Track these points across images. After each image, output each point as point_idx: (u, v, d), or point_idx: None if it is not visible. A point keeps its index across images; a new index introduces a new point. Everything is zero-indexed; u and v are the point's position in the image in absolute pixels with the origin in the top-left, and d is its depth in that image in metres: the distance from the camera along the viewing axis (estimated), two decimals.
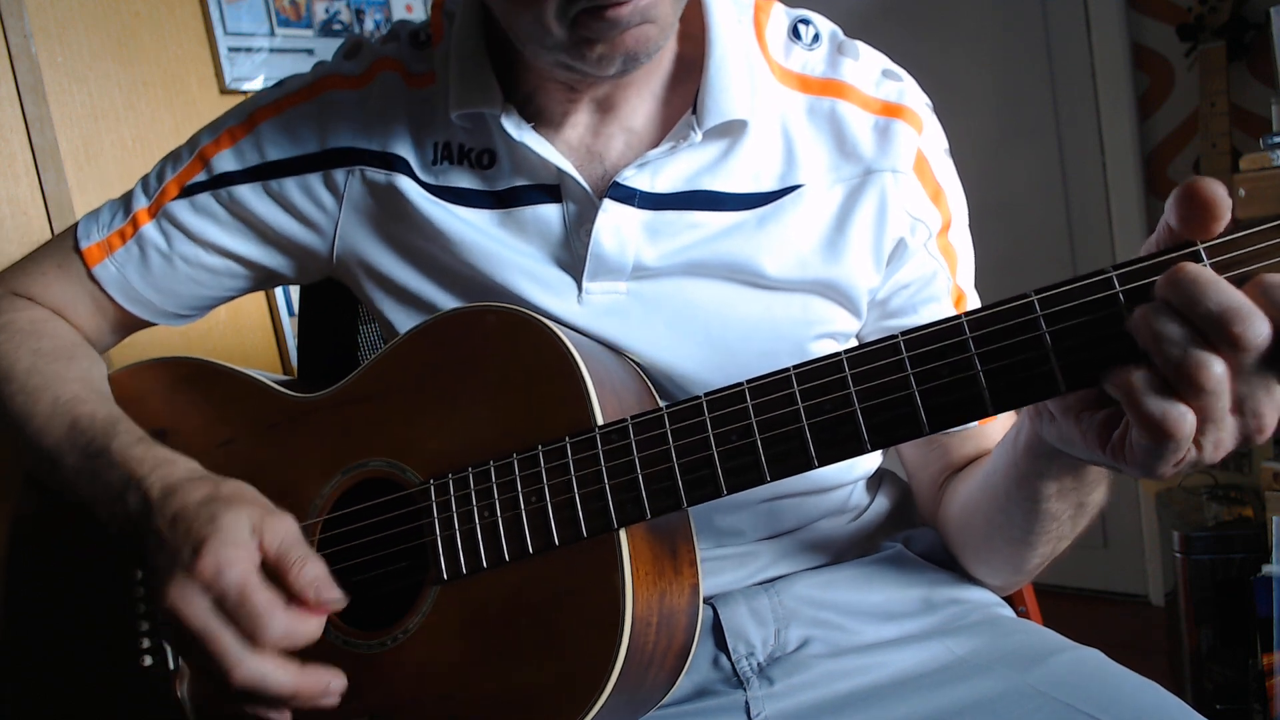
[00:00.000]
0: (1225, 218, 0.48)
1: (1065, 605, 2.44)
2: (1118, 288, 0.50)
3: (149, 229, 0.83)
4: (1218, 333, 0.46)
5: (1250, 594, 1.66)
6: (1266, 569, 1.63)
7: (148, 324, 0.89)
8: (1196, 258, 0.48)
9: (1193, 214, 0.48)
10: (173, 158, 0.85)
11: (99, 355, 0.86)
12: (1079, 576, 2.58)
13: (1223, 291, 0.46)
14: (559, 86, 0.75)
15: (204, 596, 0.61)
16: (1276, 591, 1.60)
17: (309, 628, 0.63)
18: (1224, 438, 0.48)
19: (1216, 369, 0.46)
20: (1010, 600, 0.87)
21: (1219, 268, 0.48)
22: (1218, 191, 0.47)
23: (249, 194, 0.82)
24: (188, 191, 0.83)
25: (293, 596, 0.63)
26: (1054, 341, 0.51)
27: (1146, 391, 0.48)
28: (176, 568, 0.62)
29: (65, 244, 0.85)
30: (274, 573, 0.63)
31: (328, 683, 0.63)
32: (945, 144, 0.81)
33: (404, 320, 0.80)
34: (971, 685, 0.71)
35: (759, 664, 0.77)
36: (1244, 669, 1.74)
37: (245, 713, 0.63)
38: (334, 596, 0.63)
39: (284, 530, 0.65)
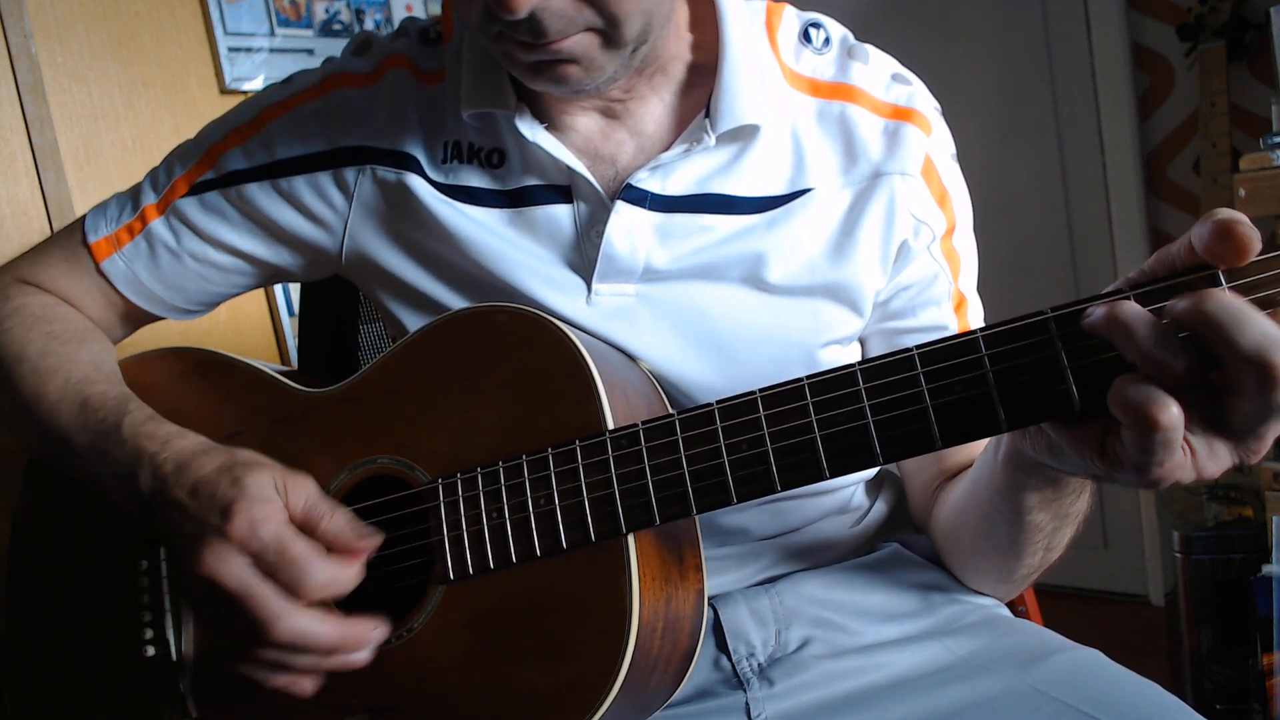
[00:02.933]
0: (1254, 254, 0.48)
1: (1065, 605, 2.44)
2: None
3: (157, 225, 0.83)
4: (1254, 370, 0.45)
5: (1250, 594, 1.66)
6: (1266, 569, 1.63)
7: (156, 318, 0.89)
8: (1214, 281, 0.48)
9: (1225, 250, 0.48)
10: (181, 153, 0.85)
11: (110, 342, 0.86)
12: (1079, 576, 2.58)
13: (1259, 323, 0.45)
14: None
15: (241, 556, 0.61)
16: (1276, 591, 1.60)
17: (349, 574, 0.64)
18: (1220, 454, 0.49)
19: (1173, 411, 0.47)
20: (1010, 600, 0.87)
21: (1238, 291, 0.48)
22: (1253, 234, 0.47)
23: (258, 193, 0.81)
24: (197, 189, 0.82)
25: (328, 546, 0.64)
26: (1069, 360, 0.51)
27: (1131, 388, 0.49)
28: (207, 533, 0.62)
29: (73, 238, 0.85)
30: (304, 527, 0.64)
31: (368, 632, 0.64)
32: (953, 148, 0.81)
33: (413, 320, 0.80)
34: (971, 685, 0.71)
35: (759, 665, 0.77)
36: (1244, 669, 1.74)
37: (276, 680, 0.63)
38: (368, 535, 0.65)
39: (307, 487, 0.66)
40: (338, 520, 0.65)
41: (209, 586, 0.62)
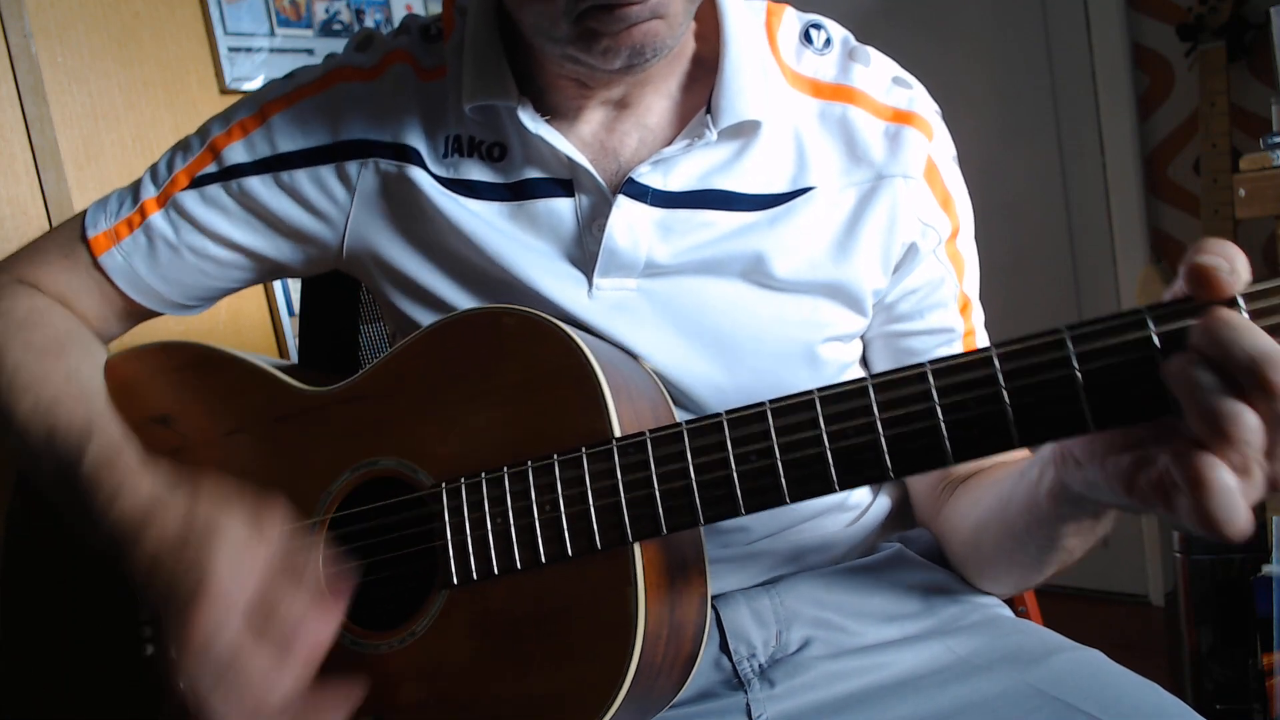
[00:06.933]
0: (1233, 283, 0.47)
1: (1065, 605, 2.43)
2: (1152, 329, 0.49)
3: (157, 219, 0.83)
4: (1250, 378, 0.45)
5: (1250, 594, 1.66)
6: (1266, 569, 1.63)
7: (154, 313, 0.88)
8: (1233, 305, 0.48)
9: (1200, 288, 0.48)
10: (183, 147, 0.85)
11: (99, 343, 0.85)
12: (1079, 576, 2.57)
13: (1256, 337, 0.45)
14: (570, 82, 0.75)
15: (204, 667, 0.58)
16: (1276, 591, 1.60)
17: (315, 639, 0.60)
18: (1251, 489, 0.47)
19: (1249, 420, 0.45)
20: (1010, 600, 0.87)
21: (1256, 315, 0.47)
22: (1218, 271, 0.47)
23: (259, 186, 0.81)
24: (197, 183, 0.82)
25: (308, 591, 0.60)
26: (1085, 380, 0.51)
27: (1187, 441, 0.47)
28: (170, 630, 0.59)
29: (72, 232, 0.85)
30: (286, 574, 0.61)
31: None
32: (954, 152, 0.81)
33: (415, 313, 0.80)
34: (971, 685, 0.71)
35: (760, 665, 0.77)
36: (1244, 669, 1.74)
37: None
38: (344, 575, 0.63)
39: (266, 555, 0.61)
40: (312, 571, 0.61)
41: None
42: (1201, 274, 0.47)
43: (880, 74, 0.79)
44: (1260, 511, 1.78)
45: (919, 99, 0.79)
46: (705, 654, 0.77)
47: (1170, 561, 1.86)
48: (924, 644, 0.76)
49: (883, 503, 0.88)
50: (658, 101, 0.77)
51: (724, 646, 0.78)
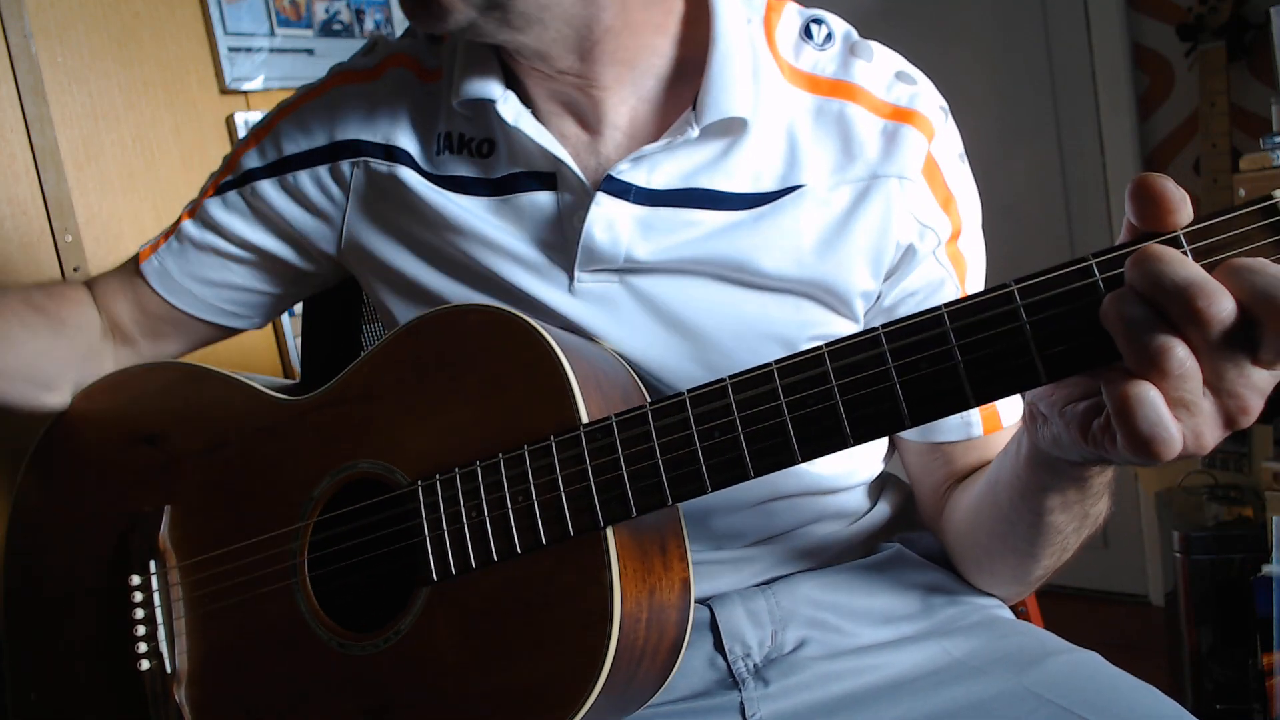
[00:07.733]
0: (1180, 209, 0.47)
1: (1065, 605, 2.43)
2: (1098, 275, 0.50)
3: (188, 225, 0.89)
4: (1180, 308, 0.45)
5: (1250, 594, 1.66)
6: (1266, 569, 1.63)
7: (193, 318, 0.91)
8: (1176, 244, 0.48)
9: (1146, 210, 0.48)
10: (215, 169, 0.91)
11: (66, 328, 0.88)
12: (1079, 576, 2.58)
13: (1185, 267, 0.45)
14: (535, 75, 0.76)
15: None
16: (1276, 591, 1.60)
17: None
18: (1202, 424, 0.47)
19: (1179, 352, 0.45)
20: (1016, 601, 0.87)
21: (1198, 254, 0.47)
22: (1166, 185, 0.47)
23: (269, 189, 0.85)
24: (220, 190, 0.88)
25: None
26: (1034, 331, 0.51)
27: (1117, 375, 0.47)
28: None
29: (131, 256, 0.92)
30: None
31: None
32: (960, 149, 0.80)
33: (407, 311, 0.82)
34: (967, 687, 0.71)
35: (755, 665, 0.77)
36: (1244, 669, 1.74)
37: None
38: None
39: None
40: None
41: None
42: (1145, 190, 0.47)
43: (882, 69, 0.78)
44: (1260, 511, 1.78)
45: (922, 95, 0.77)
46: (700, 653, 0.78)
47: (1170, 561, 1.86)
48: (920, 645, 0.76)
49: (882, 509, 0.88)
50: (623, 105, 0.77)
51: (718, 646, 0.78)
